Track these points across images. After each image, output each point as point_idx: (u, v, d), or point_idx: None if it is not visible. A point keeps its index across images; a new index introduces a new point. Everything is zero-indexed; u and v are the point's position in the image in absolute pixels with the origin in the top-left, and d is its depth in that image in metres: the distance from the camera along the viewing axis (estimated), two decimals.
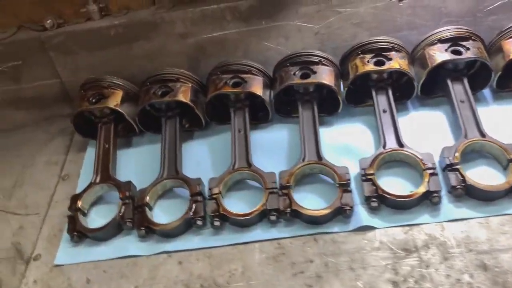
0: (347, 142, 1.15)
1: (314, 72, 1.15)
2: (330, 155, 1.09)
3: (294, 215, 1.01)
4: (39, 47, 1.28)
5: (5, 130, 1.45)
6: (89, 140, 1.32)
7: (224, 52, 1.30)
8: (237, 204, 1.07)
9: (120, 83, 1.25)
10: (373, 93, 1.17)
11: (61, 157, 1.32)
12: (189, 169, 1.15)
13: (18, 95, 1.39)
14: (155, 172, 1.17)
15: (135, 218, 1.06)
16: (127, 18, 1.24)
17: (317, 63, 1.16)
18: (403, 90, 1.19)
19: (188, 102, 1.18)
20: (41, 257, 1.07)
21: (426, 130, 1.14)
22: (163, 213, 1.10)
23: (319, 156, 1.08)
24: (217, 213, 1.02)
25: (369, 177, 1.01)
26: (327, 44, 1.29)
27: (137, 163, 1.24)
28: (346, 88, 1.16)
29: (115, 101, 1.21)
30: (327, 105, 1.20)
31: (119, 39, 1.27)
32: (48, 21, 1.26)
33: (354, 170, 1.06)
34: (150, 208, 1.09)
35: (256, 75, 1.19)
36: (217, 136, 1.25)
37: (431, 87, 1.19)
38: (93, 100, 1.23)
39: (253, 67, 1.20)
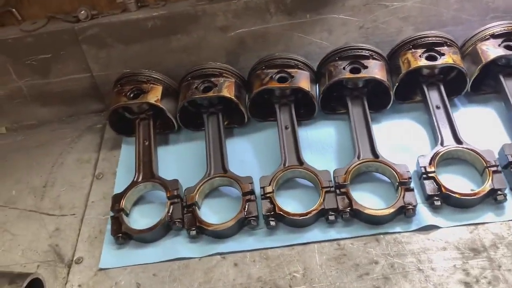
0: (398, 139, 1.12)
1: (365, 67, 1.11)
2: (382, 153, 1.05)
3: (354, 215, 0.97)
4: (71, 40, 1.22)
5: (30, 127, 1.39)
6: (122, 137, 1.27)
7: (265, 46, 1.26)
8: (290, 203, 1.03)
9: (160, 78, 1.19)
10: (425, 89, 1.14)
11: (92, 155, 1.26)
12: (234, 167, 1.10)
13: (45, 90, 1.32)
14: (196, 170, 1.13)
15: (184, 218, 1.01)
16: (166, 10, 1.19)
17: (367, 57, 1.12)
18: (451, 86, 1.16)
19: (233, 98, 1.13)
20: (83, 260, 1.02)
21: (478, 127, 1.11)
22: (212, 212, 1.05)
23: (375, 154, 1.05)
24: (272, 213, 0.98)
25: (430, 175, 0.98)
26: (371, 38, 1.25)
27: (176, 161, 1.19)
28: (397, 84, 1.13)
29: (155, 96, 1.16)
30: (375, 101, 1.17)
31: (156, 32, 1.21)
32: (82, 12, 1.19)
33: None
34: (199, 207, 1.04)
35: (303, 69, 1.15)
36: (260, 133, 1.21)
37: (478, 83, 1.16)
38: (131, 95, 1.17)
39: (299, 61, 1.16)
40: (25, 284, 0.85)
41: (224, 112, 1.20)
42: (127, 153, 1.22)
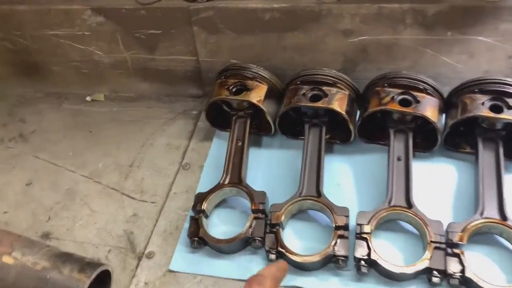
0: None
1: (510, 107, 0.92)
2: None
3: (464, 283, 0.82)
4: (184, 19, 1.15)
5: (128, 99, 1.37)
6: (215, 130, 1.19)
7: (389, 59, 1.11)
8: (387, 249, 0.89)
9: (267, 76, 1.09)
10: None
11: (183, 142, 1.20)
12: (328, 190, 0.97)
13: (148, 65, 1.28)
14: (284, 183, 1.03)
15: (266, 237, 0.92)
16: (289, 3, 1.07)
17: None
18: None
19: (344, 113, 1.00)
20: (154, 256, 0.96)
21: None
22: (295, 236, 0.95)
23: (503, 214, 0.87)
24: (366, 258, 0.85)
25: None
26: None
27: (265, 167, 1.09)
28: None
29: (258, 96, 1.06)
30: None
31: (272, 25, 1.11)
32: None
33: None
34: (283, 228, 0.94)
35: (432, 95, 0.99)
36: (364, 156, 1.07)
37: None
38: (234, 90, 1.09)
39: (430, 85, 0.99)
40: (94, 276, 0.81)
41: (329, 125, 1.07)
42: (217, 148, 1.15)
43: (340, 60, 1.14)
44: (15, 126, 1.34)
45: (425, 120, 0.98)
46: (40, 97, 1.43)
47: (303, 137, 1.09)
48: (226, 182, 1.01)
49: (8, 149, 1.27)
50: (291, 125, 1.12)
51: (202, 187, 1.05)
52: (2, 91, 1.45)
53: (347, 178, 1.04)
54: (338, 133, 1.10)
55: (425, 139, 1.04)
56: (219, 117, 1.17)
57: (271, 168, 1.09)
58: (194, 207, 0.98)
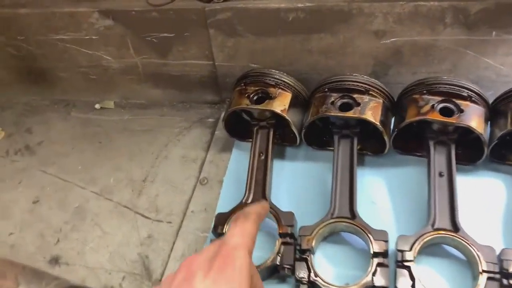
0: None
1: None
2: None
3: None
4: (199, 21, 1.06)
5: (140, 106, 1.29)
6: (234, 140, 1.11)
7: (425, 62, 1.01)
8: (432, 279, 0.80)
9: (291, 83, 1.00)
10: None
11: (200, 153, 1.12)
12: (362, 210, 0.88)
13: (160, 71, 1.20)
14: (312, 200, 0.95)
15: (296, 265, 0.83)
16: (315, 2, 0.98)
17: None
18: None
19: (378, 124, 0.91)
20: None
21: None
22: (327, 262, 0.86)
23: None
24: None
25: None
26: None
27: (290, 182, 1.00)
28: None
29: (282, 105, 0.97)
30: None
31: (297, 27, 1.01)
32: None
33: None
34: (313, 253, 0.85)
35: (477, 103, 0.89)
36: (400, 170, 0.97)
37: None
38: (255, 98, 1.00)
39: (474, 91, 0.89)
40: None
41: (360, 135, 0.98)
42: (238, 161, 1.06)
43: (370, 63, 1.04)
44: (21, 137, 1.27)
45: (468, 129, 0.88)
46: (47, 105, 1.36)
47: (330, 148, 1.01)
48: (249, 201, 0.93)
49: (14, 162, 1.19)
50: (318, 135, 1.03)
51: (222, 206, 0.96)
52: (7, 99, 1.38)
53: (382, 195, 0.95)
54: (369, 144, 1.00)
55: (467, 150, 0.94)
56: (238, 126, 1.08)
57: (296, 182, 1.00)
58: (214, 230, 0.89)
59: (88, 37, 1.16)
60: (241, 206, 0.91)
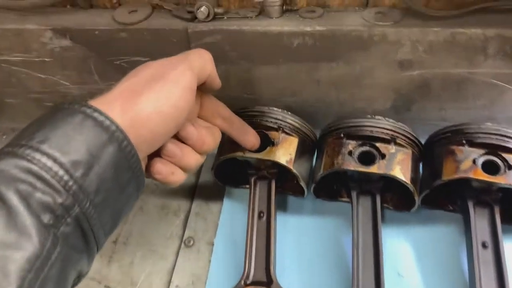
0: None
1: None
2: None
3: None
4: (180, 44, 0.85)
5: None
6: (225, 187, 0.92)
7: (457, 97, 0.84)
8: None
9: (297, 125, 0.81)
10: None
11: (182, 204, 0.92)
12: (387, 283, 0.72)
13: None
14: (325, 271, 0.77)
15: None
16: (325, 25, 0.78)
17: None
18: None
19: (409, 183, 0.73)
20: None
21: None
22: None
23: None
24: None
25: None
26: None
27: (295, 245, 0.82)
28: None
29: (287, 153, 0.78)
30: None
31: (303, 54, 0.82)
32: (202, 8, 0.82)
33: None
34: None
35: None
36: (429, 228, 0.81)
37: None
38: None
39: None
40: None
41: (383, 191, 0.81)
42: (231, 213, 0.87)
43: (391, 97, 0.86)
44: None
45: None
46: None
47: (343, 199, 0.84)
48: (249, 281, 0.74)
49: None
50: (327, 184, 0.85)
51: (214, 280, 0.78)
52: None
53: (410, 264, 0.78)
54: (390, 195, 0.84)
55: (506, 209, 0.78)
56: (230, 169, 0.88)
57: (304, 245, 0.82)
58: None
59: (39, 59, 0.94)
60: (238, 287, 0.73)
